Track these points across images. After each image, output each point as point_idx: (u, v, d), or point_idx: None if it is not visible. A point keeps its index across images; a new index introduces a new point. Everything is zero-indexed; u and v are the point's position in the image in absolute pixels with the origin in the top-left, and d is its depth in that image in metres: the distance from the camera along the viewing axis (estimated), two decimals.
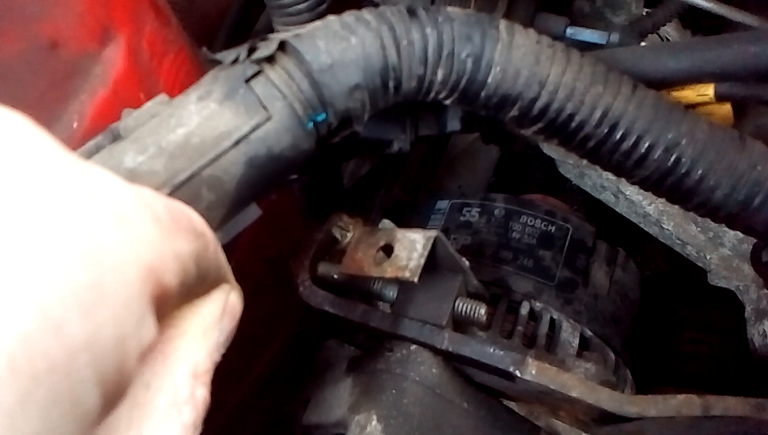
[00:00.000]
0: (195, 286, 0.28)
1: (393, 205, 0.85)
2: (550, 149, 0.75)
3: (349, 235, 0.64)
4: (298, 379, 0.75)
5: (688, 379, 0.89)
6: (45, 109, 0.46)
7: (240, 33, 0.75)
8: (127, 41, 0.51)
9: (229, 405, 0.76)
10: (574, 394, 0.46)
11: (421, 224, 0.73)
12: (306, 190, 0.68)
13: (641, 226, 0.77)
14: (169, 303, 0.25)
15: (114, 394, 0.20)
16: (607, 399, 0.46)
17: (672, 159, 0.46)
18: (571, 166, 0.80)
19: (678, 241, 0.74)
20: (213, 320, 0.30)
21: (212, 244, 0.30)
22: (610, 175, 0.73)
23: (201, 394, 0.27)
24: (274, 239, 0.62)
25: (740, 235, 0.67)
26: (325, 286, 0.56)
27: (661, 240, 0.76)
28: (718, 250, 0.70)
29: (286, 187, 0.61)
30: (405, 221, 0.76)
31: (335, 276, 0.56)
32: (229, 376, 0.75)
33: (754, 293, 0.66)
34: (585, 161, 0.73)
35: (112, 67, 0.49)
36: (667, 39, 0.87)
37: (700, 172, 0.45)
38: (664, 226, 0.73)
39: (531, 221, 0.69)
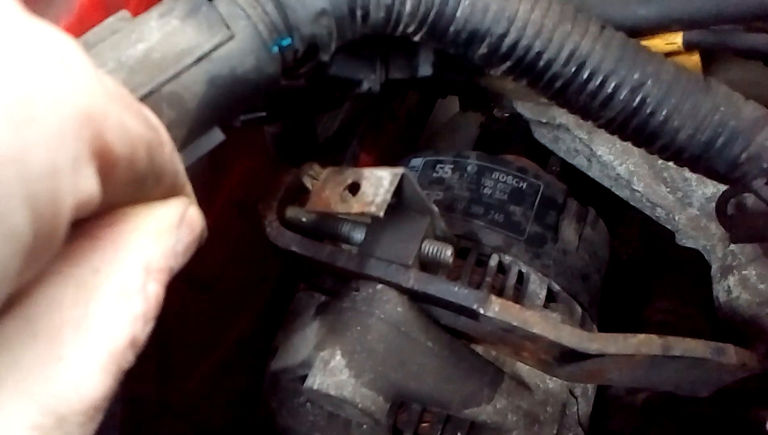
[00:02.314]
0: (148, 181, 0.28)
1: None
2: (524, 108, 0.75)
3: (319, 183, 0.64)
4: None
5: None
6: None
7: None
8: None
9: (215, 357, 0.76)
10: (535, 331, 0.46)
11: None
12: (279, 142, 0.68)
13: (613, 189, 0.78)
14: (116, 176, 0.24)
15: (46, 232, 0.19)
16: (568, 336, 0.47)
17: (637, 100, 0.46)
18: (545, 130, 0.80)
19: (648, 204, 0.74)
20: (169, 224, 0.30)
21: (168, 145, 0.30)
22: (583, 135, 0.74)
23: (153, 289, 0.27)
24: (244, 184, 0.62)
25: (708, 194, 0.68)
26: (294, 230, 0.56)
27: (632, 204, 0.77)
28: (686, 211, 0.71)
29: (257, 127, 0.61)
30: None
31: (303, 219, 0.56)
32: (215, 330, 0.75)
33: (720, 251, 0.67)
34: (558, 120, 0.74)
35: None
36: None
37: (664, 113, 0.46)
38: (634, 187, 0.73)
39: (503, 178, 0.69)
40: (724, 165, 0.46)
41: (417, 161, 0.74)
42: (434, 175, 0.71)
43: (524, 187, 0.69)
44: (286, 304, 0.69)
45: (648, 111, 0.46)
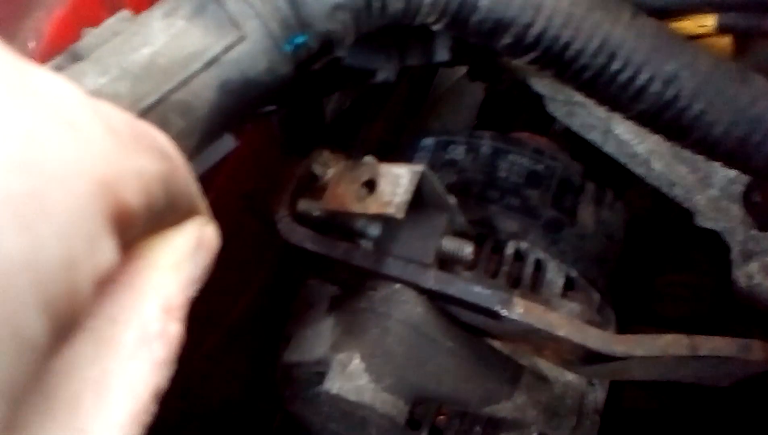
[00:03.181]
0: (164, 213, 0.26)
1: (375, 145, 0.83)
2: (539, 85, 0.72)
3: (330, 171, 0.61)
4: (278, 319, 0.74)
5: (669, 320, 0.89)
6: None
7: None
8: None
9: (209, 345, 0.75)
10: (561, 333, 0.45)
11: (405, 162, 0.71)
12: (286, 124, 0.65)
13: (627, 166, 0.76)
14: (134, 227, 0.22)
15: (65, 323, 0.17)
16: (595, 338, 0.45)
17: (671, 92, 0.43)
18: (560, 103, 0.77)
19: (666, 182, 0.72)
20: (186, 252, 0.28)
21: (182, 169, 0.28)
22: (600, 113, 0.71)
23: (174, 329, 0.25)
24: (251, 174, 0.59)
25: (730, 175, 0.66)
26: (306, 223, 0.54)
27: (648, 181, 0.75)
28: (706, 191, 0.69)
29: (263, 119, 0.58)
30: (388, 159, 0.73)
31: (316, 213, 0.54)
32: (209, 317, 0.74)
33: (741, 235, 0.65)
34: (575, 98, 0.71)
35: None
36: None
37: (699, 106, 0.43)
38: (652, 166, 0.71)
39: (518, 160, 0.67)
40: (761, 160, 0.44)
41: (428, 141, 0.71)
42: (447, 156, 0.68)
43: (541, 169, 0.66)
44: (291, 278, 0.67)
45: (682, 104, 0.43)
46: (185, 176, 0.28)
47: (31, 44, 0.42)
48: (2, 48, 0.18)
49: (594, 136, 0.77)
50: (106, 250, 0.19)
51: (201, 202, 0.31)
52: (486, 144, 0.68)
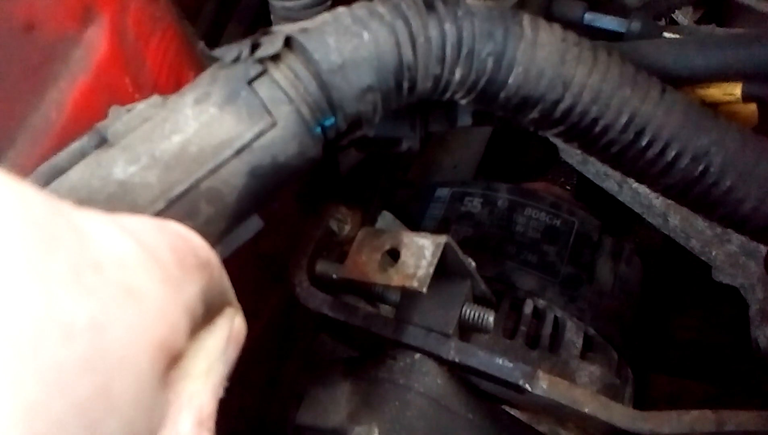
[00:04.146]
0: (202, 320, 0.26)
1: (388, 186, 0.82)
2: (554, 137, 0.72)
3: (347, 227, 0.61)
4: (280, 366, 0.72)
5: (682, 365, 0.88)
6: (19, 99, 0.41)
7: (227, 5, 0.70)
8: (111, 21, 0.46)
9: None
10: (586, 410, 0.44)
11: (420, 212, 0.70)
12: (300, 177, 0.65)
13: (644, 216, 0.75)
14: (178, 357, 0.22)
15: None
16: (621, 416, 0.44)
17: (700, 168, 0.43)
18: (574, 151, 0.77)
19: (682, 235, 0.72)
20: (218, 353, 0.27)
21: (217, 269, 0.27)
22: None
23: None
24: (267, 231, 0.59)
25: None
26: (324, 284, 0.53)
27: (664, 231, 0.74)
28: (724, 246, 0.68)
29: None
30: (403, 208, 0.73)
31: (334, 275, 0.53)
32: None
33: (760, 293, 0.65)
34: None
35: (94, 50, 0.44)
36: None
37: (728, 183, 0.43)
38: (669, 219, 0.71)
39: (536, 214, 0.66)
40: None
41: (443, 192, 0.71)
42: (462, 208, 0.68)
43: (558, 224, 0.66)
44: (290, 329, 0.66)
45: (710, 180, 0.43)
46: (219, 275, 0.28)
47: (53, 115, 0.42)
48: (54, 205, 0.17)
49: (609, 185, 0.77)
50: (161, 405, 0.18)
51: (229, 290, 0.31)
52: (502, 197, 0.67)
